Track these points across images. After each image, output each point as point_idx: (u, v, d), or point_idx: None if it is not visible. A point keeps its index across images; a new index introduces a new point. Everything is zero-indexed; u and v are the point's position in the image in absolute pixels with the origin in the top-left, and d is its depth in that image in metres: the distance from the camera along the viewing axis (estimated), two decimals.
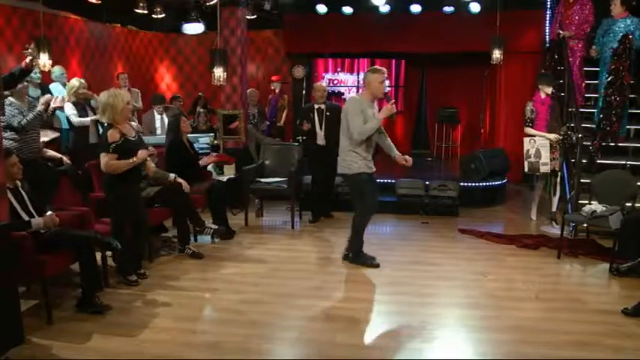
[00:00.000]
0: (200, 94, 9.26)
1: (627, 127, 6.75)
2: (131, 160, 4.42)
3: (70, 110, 6.31)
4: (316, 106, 6.70)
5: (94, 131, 6.41)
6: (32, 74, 5.99)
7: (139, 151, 4.49)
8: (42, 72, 6.64)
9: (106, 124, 4.55)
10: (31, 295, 4.18)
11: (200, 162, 6.03)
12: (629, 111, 6.71)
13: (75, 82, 6.45)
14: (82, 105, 6.39)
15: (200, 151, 6.63)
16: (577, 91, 6.83)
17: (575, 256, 5.36)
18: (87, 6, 7.79)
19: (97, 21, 9.08)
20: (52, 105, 5.41)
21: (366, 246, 5.81)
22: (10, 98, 5.22)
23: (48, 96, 5.50)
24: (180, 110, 8.42)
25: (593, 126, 6.76)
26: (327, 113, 6.66)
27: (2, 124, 5.07)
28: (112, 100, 4.39)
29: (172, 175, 5.37)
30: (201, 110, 8.46)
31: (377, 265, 5.06)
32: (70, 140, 6.51)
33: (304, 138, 6.95)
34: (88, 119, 6.33)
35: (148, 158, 4.76)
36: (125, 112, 4.46)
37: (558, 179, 6.43)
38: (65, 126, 6.59)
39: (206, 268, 5.07)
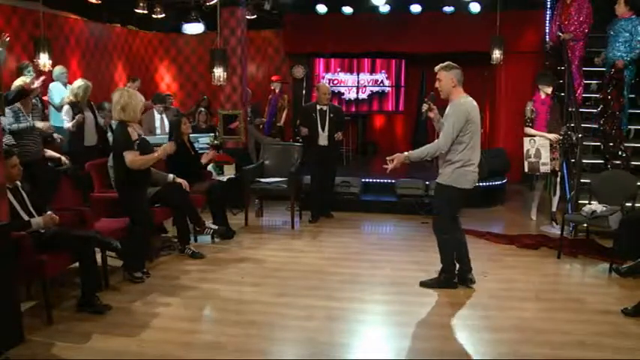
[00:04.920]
0: (205, 97, 9.28)
1: (628, 127, 6.75)
2: (156, 154, 4.57)
3: (65, 114, 6.28)
4: (319, 107, 6.67)
5: (91, 134, 6.38)
6: (25, 72, 6.01)
7: (163, 146, 4.68)
8: (40, 71, 6.64)
9: (116, 124, 4.61)
10: (31, 295, 4.18)
11: (202, 160, 6.04)
12: (629, 111, 6.71)
13: (79, 82, 6.38)
14: (79, 108, 6.33)
15: (200, 151, 6.62)
16: (576, 90, 6.82)
17: (575, 256, 5.36)
18: (87, 6, 7.80)
19: (97, 21, 9.08)
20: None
21: (366, 245, 5.84)
22: None
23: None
24: (179, 111, 8.44)
25: (593, 126, 6.76)
26: (331, 115, 6.65)
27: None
28: (131, 100, 4.48)
29: (171, 176, 5.40)
30: (203, 109, 8.48)
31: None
32: (66, 142, 6.48)
33: (301, 140, 6.95)
34: (71, 125, 6.20)
35: None
36: (141, 112, 4.60)
37: (558, 179, 6.43)
38: (61, 124, 6.58)
39: (206, 268, 5.07)
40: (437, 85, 4.38)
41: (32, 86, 5.18)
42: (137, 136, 4.53)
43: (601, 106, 6.29)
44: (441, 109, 4.48)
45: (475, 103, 4.33)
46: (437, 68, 4.35)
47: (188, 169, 5.77)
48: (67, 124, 6.23)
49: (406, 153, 4.34)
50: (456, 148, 4.21)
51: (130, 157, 4.43)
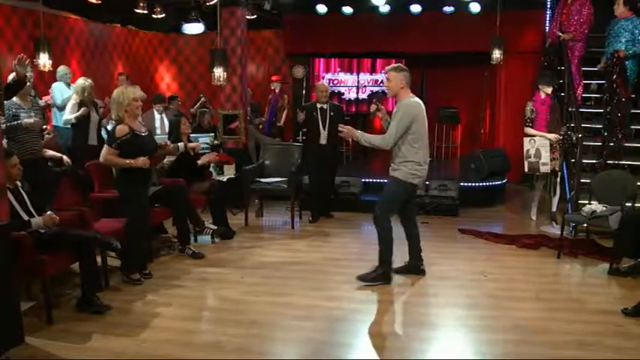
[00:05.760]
0: (202, 95, 9.27)
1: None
2: (127, 161, 4.45)
3: (70, 108, 6.26)
4: (319, 106, 6.69)
5: (94, 133, 6.39)
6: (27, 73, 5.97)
7: (140, 158, 4.47)
8: (42, 72, 6.64)
9: (115, 122, 4.61)
10: (31, 295, 4.18)
11: (198, 162, 6.02)
12: (631, 111, 6.71)
13: (82, 81, 6.37)
14: (87, 106, 6.33)
15: (200, 152, 6.61)
16: (575, 90, 6.82)
17: (575, 256, 5.36)
18: (87, 6, 7.80)
19: (97, 21, 9.08)
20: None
21: (366, 246, 5.84)
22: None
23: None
24: (179, 111, 8.44)
25: (594, 126, 6.75)
26: (331, 113, 6.66)
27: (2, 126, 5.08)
28: (118, 97, 4.48)
29: (181, 145, 5.52)
30: (206, 110, 8.49)
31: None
32: (69, 139, 6.49)
33: (304, 138, 6.96)
34: (72, 117, 6.18)
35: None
36: (132, 109, 4.49)
37: (558, 179, 6.42)
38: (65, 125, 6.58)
39: (206, 268, 5.07)
40: (386, 84, 4.65)
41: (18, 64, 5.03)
42: (127, 131, 4.43)
43: (607, 94, 6.27)
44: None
45: (422, 103, 4.60)
46: (387, 69, 4.62)
47: (188, 169, 5.77)
48: (69, 116, 6.21)
49: (360, 133, 4.65)
50: (407, 148, 4.49)
51: (103, 152, 4.47)
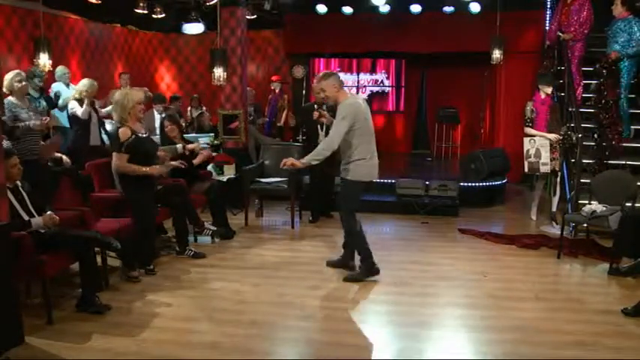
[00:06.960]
0: (195, 95, 9.26)
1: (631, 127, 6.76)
2: (145, 169, 4.51)
3: (73, 105, 6.27)
4: (317, 107, 6.69)
5: (96, 133, 6.40)
6: (34, 80, 5.95)
7: (156, 167, 4.60)
8: (43, 73, 6.62)
9: (116, 124, 4.62)
10: (31, 295, 4.18)
11: (194, 161, 5.98)
12: (630, 111, 6.71)
13: (86, 82, 6.38)
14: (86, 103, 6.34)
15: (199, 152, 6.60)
16: (575, 90, 6.83)
17: (575, 256, 5.36)
18: (87, 6, 7.80)
19: (97, 21, 9.08)
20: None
21: None
22: (9, 98, 5.20)
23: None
24: (179, 111, 8.43)
25: (593, 126, 6.76)
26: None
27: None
28: (122, 99, 4.48)
29: (180, 146, 5.54)
30: (203, 111, 8.48)
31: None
32: (70, 139, 6.49)
33: (304, 138, 6.97)
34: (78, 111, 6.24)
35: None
36: (135, 112, 4.51)
37: (558, 179, 6.43)
38: (65, 124, 6.58)
39: (206, 268, 5.07)
40: (322, 95, 4.64)
41: None
42: (129, 134, 4.45)
43: (595, 95, 6.29)
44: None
45: (361, 102, 4.64)
46: (316, 81, 4.67)
47: (187, 170, 5.76)
48: (78, 112, 6.22)
49: (302, 160, 4.61)
50: (354, 146, 4.52)
51: (117, 161, 4.46)
